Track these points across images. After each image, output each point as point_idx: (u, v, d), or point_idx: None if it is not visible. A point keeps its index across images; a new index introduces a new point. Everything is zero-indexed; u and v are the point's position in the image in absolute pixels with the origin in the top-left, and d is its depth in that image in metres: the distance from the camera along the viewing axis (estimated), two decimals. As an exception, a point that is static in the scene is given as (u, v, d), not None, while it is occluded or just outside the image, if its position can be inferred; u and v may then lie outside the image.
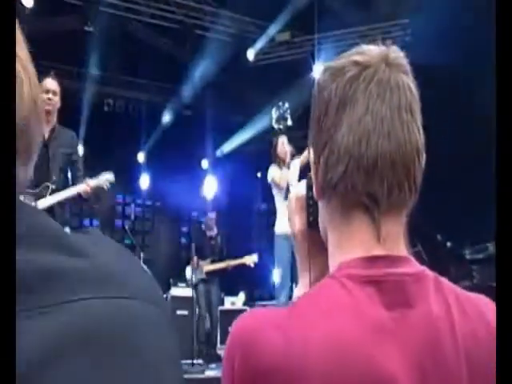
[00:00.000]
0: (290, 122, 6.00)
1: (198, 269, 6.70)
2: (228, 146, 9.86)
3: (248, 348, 0.66)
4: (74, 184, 3.85)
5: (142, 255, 7.88)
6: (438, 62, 6.29)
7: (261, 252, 11.49)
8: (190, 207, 10.29)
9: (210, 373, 5.76)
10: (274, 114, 6.14)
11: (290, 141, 5.62)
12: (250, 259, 6.82)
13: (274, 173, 5.40)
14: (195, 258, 6.71)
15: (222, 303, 7.36)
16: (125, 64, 8.85)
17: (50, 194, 3.65)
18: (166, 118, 9.51)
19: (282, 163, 5.42)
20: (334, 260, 0.75)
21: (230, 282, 7.83)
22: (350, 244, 0.73)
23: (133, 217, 8.39)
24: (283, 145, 5.46)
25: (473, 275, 5.86)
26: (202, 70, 8.48)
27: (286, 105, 6.01)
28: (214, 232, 7.03)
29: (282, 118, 6.02)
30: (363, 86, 0.72)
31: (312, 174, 0.79)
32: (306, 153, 5.39)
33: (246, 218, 10.66)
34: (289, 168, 5.41)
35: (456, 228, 6.07)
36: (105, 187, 3.83)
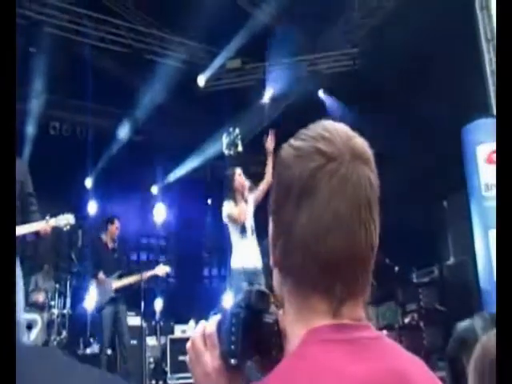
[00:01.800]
0: (240, 148, 6.00)
1: (106, 286, 6.08)
2: (178, 172, 9.79)
3: None
4: (27, 219, 3.50)
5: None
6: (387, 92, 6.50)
7: (211, 278, 11.40)
8: (139, 233, 10.12)
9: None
10: (225, 140, 6.13)
11: (241, 165, 5.36)
12: (163, 270, 6.46)
13: (230, 209, 5.01)
14: (101, 274, 6.14)
15: (172, 332, 7.16)
16: (72, 87, 8.66)
17: None
18: (115, 142, 9.33)
19: (238, 196, 5.07)
20: (298, 327, 0.77)
21: (179, 309, 7.69)
22: (311, 317, 0.76)
23: (80, 244, 8.12)
24: (240, 176, 5.15)
25: (419, 298, 6.12)
26: (151, 95, 8.41)
27: (237, 131, 6.02)
28: (115, 244, 6.50)
29: (232, 144, 6.01)
30: (326, 180, 0.73)
31: (270, 242, 0.81)
32: (260, 187, 5.31)
33: (195, 244, 10.56)
34: (246, 202, 5.08)
35: (404, 253, 6.24)
36: (64, 229, 3.61)
